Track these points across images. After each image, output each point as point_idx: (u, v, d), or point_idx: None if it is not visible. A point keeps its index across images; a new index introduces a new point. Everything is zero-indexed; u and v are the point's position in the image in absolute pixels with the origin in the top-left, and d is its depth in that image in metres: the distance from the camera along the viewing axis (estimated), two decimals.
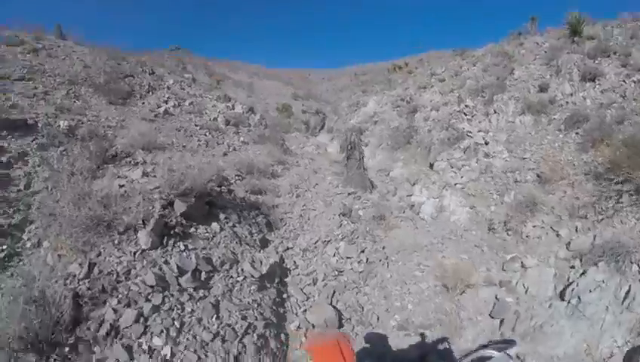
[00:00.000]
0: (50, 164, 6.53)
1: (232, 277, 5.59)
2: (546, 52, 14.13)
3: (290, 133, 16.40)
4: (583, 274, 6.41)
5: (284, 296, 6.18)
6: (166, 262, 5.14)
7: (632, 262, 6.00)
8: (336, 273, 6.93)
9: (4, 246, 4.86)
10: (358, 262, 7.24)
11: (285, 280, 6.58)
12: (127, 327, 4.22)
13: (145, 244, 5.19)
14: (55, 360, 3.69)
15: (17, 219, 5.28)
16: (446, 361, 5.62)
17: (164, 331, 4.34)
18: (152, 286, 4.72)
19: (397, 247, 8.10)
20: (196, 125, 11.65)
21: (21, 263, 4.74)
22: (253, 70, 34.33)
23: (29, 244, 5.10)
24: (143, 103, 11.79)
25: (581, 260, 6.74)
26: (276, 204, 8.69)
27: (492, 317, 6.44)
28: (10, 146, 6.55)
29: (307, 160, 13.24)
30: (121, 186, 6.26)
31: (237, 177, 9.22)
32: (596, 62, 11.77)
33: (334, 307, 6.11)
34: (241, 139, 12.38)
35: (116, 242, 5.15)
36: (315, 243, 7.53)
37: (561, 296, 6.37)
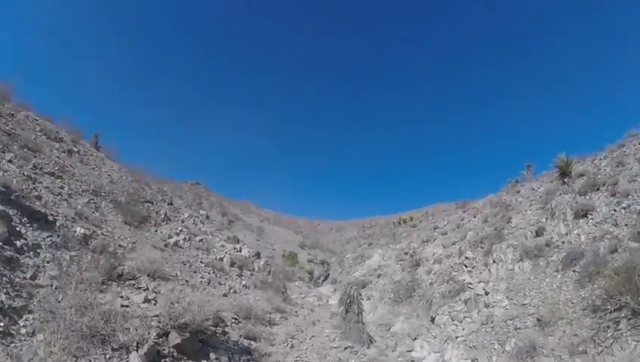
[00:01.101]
0: (60, 264, 6.48)
1: None
2: (540, 196, 14.09)
3: (293, 282, 15.89)
4: None
5: None
6: None
7: None
8: None
9: (1, 324, 4.73)
10: None
11: None
12: None
13: None
14: None
15: (18, 304, 5.15)
16: None
17: None
18: None
19: None
20: (202, 262, 11.60)
21: (12, 345, 4.58)
22: (265, 215, 35.38)
23: (23, 331, 4.88)
24: (156, 231, 12.02)
25: None
26: (269, 352, 8.06)
27: None
28: (27, 234, 6.61)
29: (307, 310, 12.48)
30: (123, 306, 6.20)
31: (233, 320, 8.76)
32: (587, 197, 11.46)
33: None
34: (243, 282, 12.09)
35: (107, 357, 4.99)
36: None
37: None
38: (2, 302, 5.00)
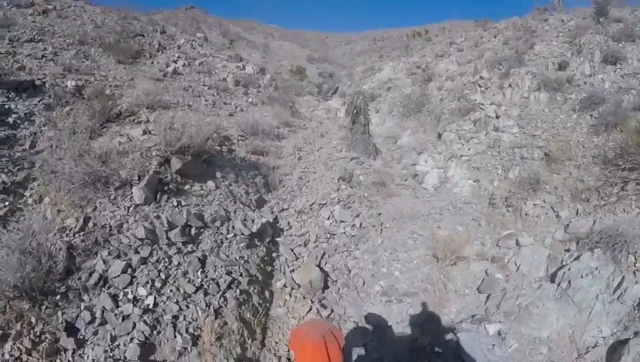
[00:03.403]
0: (55, 124, 6.23)
1: (221, 234, 5.33)
2: (569, 30, 12.99)
3: (302, 96, 15.72)
4: (577, 258, 5.92)
5: (274, 254, 5.91)
6: (157, 217, 4.92)
7: (629, 253, 5.47)
8: (329, 236, 6.60)
9: (7, 203, 4.71)
10: (352, 227, 6.88)
11: (277, 239, 6.30)
12: (115, 277, 4.10)
13: (138, 199, 5.00)
14: (47, 307, 3.61)
15: (20, 177, 5.06)
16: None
17: (150, 282, 4.20)
18: (141, 239, 4.56)
19: (393, 214, 7.69)
20: (204, 85, 11.18)
21: (22, 218, 4.59)
22: (270, 31, 32.49)
23: (30, 201, 4.90)
24: (152, 63, 11.37)
25: (577, 243, 6.22)
26: (277, 165, 8.30)
27: (479, 292, 6.08)
28: (18, 107, 6.34)
29: (316, 123, 12.67)
30: (120, 143, 6.00)
31: (240, 138, 8.79)
32: (620, 45, 10.66)
33: (321, 268, 5.82)
34: (250, 100, 11.84)
35: (112, 197, 4.98)
36: (311, 205, 7.17)
37: (552, 278, 5.93)
38: (4, 181, 4.84)
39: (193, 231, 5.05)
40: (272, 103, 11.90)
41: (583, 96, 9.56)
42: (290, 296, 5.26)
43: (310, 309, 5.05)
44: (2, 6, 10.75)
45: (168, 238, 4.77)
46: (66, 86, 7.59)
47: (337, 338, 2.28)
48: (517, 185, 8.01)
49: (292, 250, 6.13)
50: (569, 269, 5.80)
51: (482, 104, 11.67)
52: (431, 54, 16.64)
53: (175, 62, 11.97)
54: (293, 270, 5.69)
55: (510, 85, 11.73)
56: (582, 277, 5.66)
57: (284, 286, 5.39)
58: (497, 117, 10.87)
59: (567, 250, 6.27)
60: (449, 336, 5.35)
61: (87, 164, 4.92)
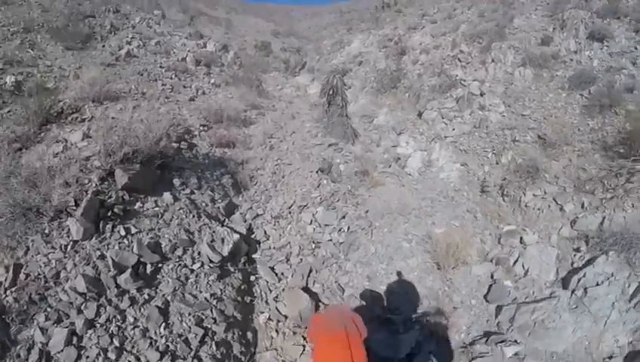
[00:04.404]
0: None
1: (185, 266, 4.08)
2: (548, 3, 12.36)
3: (268, 73, 14.08)
4: (589, 262, 5.26)
5: (252, 278, 4.71)
6: (101, 257, 3.66)
7: None
8: (313, 245, 5.49)
9: None
10: (339, 231, 5.80)
11: (253, 256, 5.10)
12: (58, 352, 3.00)
13: (76, 234, 3.71)
14: None
15: None
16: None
17: (102, 353, 3.07)
18: (83, 294, 3.36)
19: (382, 210, 6.69)
20: (162, 67, 9.62)
21: None
22: (232, 5, 29.58)
23: None
24: (104, 46, 9.68)
25: (587, 243, 5.57)
26: (246, 158, 6.99)
27: (488, 302, 5.31)
28: None
29: (285, 103, 11.28)
30: (56, 154, 4.59)
31: (202, 128, 7.38)
32: (605, 22, 10.02)
33: (310, 291, 4.75)
34: (212, 81, 10.25)
35: (46, 232, 3.71)
36: (290, 207, 5.98)
37: (564, 283, 5.26)
38: None
39: (149, 269, 3.80)
40: (237, 83, 10.37)
41: (570, 73, 8.90)
42: (277, 331, 4.17)
43: (304, 349, 3.97)
44: None
45: (118, 285, 3.54)
46: (5, 83, 6.30)
47: (359, 327, 2.04)
48: (512, 172, 7.26)
49: (272, 268, 4.97)
50: (584, 275, 5.14)
51: (464, 80, 10.78)
52: (403, 26, 15.45)
53: (129, 43, 10.25)
54: (276, 297, 4.56)
55: (493, 60, 10.89)
56: (597, 284, 5.05)
57: (269, 319, 4.29)
58: (482, 94, 10.03)
59: (577, 250, 5.61)
60: None
61: (14, 189, 3.68)
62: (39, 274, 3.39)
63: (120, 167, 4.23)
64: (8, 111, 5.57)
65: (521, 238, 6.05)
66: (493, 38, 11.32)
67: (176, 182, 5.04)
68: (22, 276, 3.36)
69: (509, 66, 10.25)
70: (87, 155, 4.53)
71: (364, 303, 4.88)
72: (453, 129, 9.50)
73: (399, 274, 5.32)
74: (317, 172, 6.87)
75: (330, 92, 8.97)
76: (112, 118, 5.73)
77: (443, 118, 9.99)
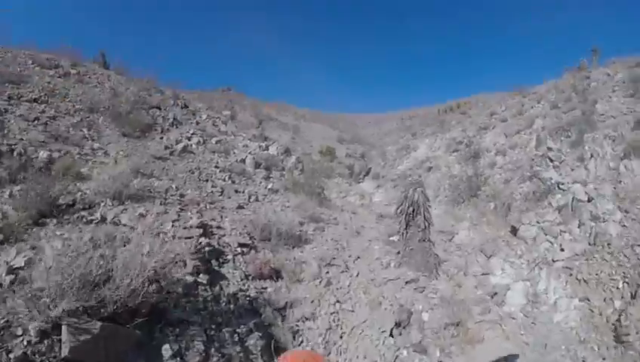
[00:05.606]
0: None
1: None
2: (624, 82, 10.94)
3: (331, 179, 13.22)
4: None
5: None
6: None
7: None
8: None
9: None
10: None
11: None
12: None
13: None
14: None
15: None
16: None
17: None
18: None
19: None
20: (216, 167, 8.90)
21: None
22: (302, 113, 31.45)
23: None
24: (162, 138, 9.30)
25: None
26: (292, 300, 5.38)
27: None
28: None
29: (348, 214, 9.85)
30: (12, 283, 3.23)
31: (241, 247, 5.98)
32: None
33: None
34: (270, 186, 9.31)
35: None
36: None
37: None
38: None
39: None
40: (297, 190, 9.32)
41: None
42: None
43: None
44: (24, 63, 9.67)
45: None
46: (37, 157, 5.85)
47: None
48: None
49: None
50: None
51: (561, 183, 8.75)
52: (472, 128, 14.23)
53: (188, 138, 9.81)
54: None
55: (592, 155, 8.86)
56: None
57: None
58: (589, 200, 7.87)
59: None
60: None
61: None
62: None
63: (69, 321, 2.70)
64: (20, 189, 4.75)
65: None
66: (583, 129, 9.45)
67: (166, 352, 3.20)
68: None
69: (610, 160, 8.18)
70: (39, 287, 2.90)
71: None
72: (562, 249, 7.39)
73: None
74: (390, 331, 4.99)
75: (410, 209, 7.19)
76: (140, 216, 4.74)
77: (546, 234, 7.86)
